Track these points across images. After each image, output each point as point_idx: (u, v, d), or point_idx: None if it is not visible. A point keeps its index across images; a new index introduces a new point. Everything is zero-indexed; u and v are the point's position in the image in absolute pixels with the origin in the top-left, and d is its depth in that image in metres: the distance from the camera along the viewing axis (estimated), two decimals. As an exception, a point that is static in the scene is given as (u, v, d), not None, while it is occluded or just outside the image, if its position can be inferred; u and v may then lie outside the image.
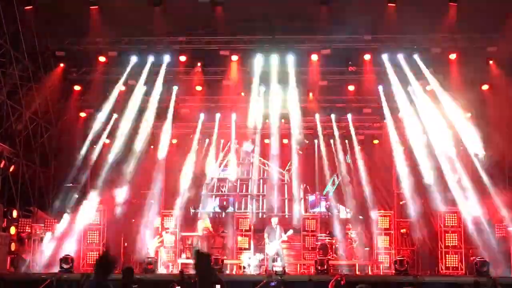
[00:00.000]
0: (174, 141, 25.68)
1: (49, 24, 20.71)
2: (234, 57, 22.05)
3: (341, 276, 14.31)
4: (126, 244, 22.44)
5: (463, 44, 21.34)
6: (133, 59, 22.34)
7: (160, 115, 23.91)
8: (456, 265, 20.38)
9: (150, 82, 22.94)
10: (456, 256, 20.53)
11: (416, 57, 21.83)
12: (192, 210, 25.04)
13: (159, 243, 19.84)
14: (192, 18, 20.73)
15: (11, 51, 19.83)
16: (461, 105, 22.56)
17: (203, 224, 21.86)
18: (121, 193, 21.96)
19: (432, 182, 21.92)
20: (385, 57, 22.08)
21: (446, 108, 22.26)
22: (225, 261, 19.55)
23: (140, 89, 23.01)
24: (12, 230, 19.09)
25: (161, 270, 19.69)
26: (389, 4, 19.43)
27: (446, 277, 19.31)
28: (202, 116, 25.32)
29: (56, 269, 18.62)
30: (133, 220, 23.16)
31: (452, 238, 20.72)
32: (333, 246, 21.46)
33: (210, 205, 25.66)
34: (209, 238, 21.58)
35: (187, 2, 19.82)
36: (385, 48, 21.91)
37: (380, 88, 23.25)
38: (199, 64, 22.64)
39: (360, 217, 23.71)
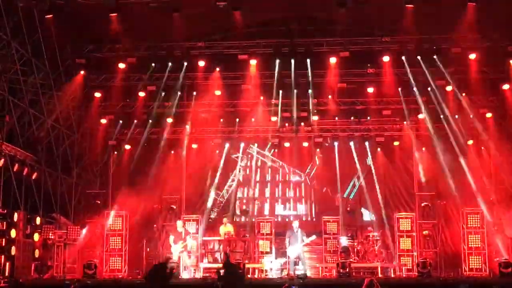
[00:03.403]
0: (194, 145, 25.76)
1: (69, 32, 20.88)
2: (253, 61, 22.07)
3: (372, 279, 14.16)
4: (148, 249, 22.53)
5: (482, 44, 21.18)
6: (153, 65, 22.46)
7: (180, 120, 24.02)
8: (480, 267, 20.20)
9: (169, 88, 23.07)
10: (480, 257, 20.34)
11: (435, 57, 21.71)
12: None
13: (182, 248, 19.88)
14: (210, 23, 20.79)
15: (32, 59, 20.02)
16: (481, 105, 22.44)
17: (225, 228, 21.86)
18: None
19: (453, 182, 21.82)
20: (404, 58, 21.99)
21: (466, 108, 22.14)
22: (246, 265, 19.53)
23: (159, 94, 23.13)
24: (36, 237, 19.25)
25: (184, 275, 19.71)
26: (407, 5, 19.34)
27: (470, 279, 19.15)
28: (221, 120, 25.37)
29: (79, 274, 18.76)
30: (155, 226, 23.27)
31: (475, 239, 20.52)
32: (355, 249, 21.37)
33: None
34: (231, 242, 21.57)
35: (205, 8, 19.87)
36: (404, 49, 21.80)
37: (400, 89, 23.13)
38: (217, 69, 22.72)
39: (381, 219, 23.63)
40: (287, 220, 25.87)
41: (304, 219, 26.44)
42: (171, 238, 20.04)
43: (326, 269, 21.37)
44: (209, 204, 25.58)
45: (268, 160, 26.64)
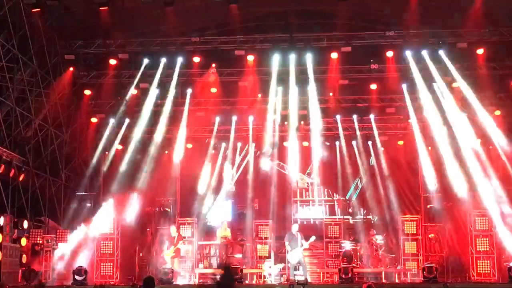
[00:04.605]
0: (189, 145, 25.67)
1: (58, 26, 20.78)
2: (250, 57, 22.02)
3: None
4: (141, 254, 22.43)
5: (490, 38, 21.11)
6: (145, 61, 22.39)
7: (175, 119, 23.93)
8: (488, 271, 20.11)
9: (163, 85, 22.97)
10: (488, 261, 20.24)
11: (441, 52, 21.64)
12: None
13: (173, 253, 19.86)
14: (205, 17, 20.72)
15: (19, 55, 19.90)
16: (489, 102, 22.36)
17: (222, 232, 21.79)
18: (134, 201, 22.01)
19: (460, 183, 21.74)
20: (408, 53, 21.94)
21: (473, 106, 22.07)
22: (244, 271, 19.45)
23: (153, 92, 23.05)
24: (23, 241, 19.12)
25: (179, 281, 19.64)
26: (411, -2, 19.33)
27: (478, 284, 19.09)
28: (217, 119, 25.29)
29: (69, 281, 18.65)
30: (148, 229, 23.17)
31: (483, 242, 20.44)
32: (358, 253, 21.29)
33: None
34: (227, 246, 21.50)
35: (200, 1, 19.80)
36: (408, 44, 21.76)
37: (404, 86, 23.06)
38: (213, 65, 22.65)
39: (384, 221, 23.55)
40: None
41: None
42: (166, 244, 20.10)
43: (327, 274, 21.29)
44: (205, 207, 25.45)
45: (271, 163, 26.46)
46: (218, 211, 25.36)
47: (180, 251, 20.29)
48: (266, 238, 21.56)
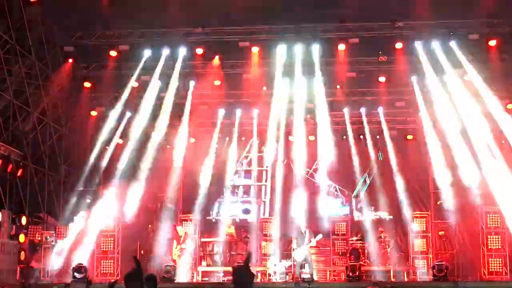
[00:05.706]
0: (192, 140, 25.71)
1: (57, 17, 20.81)
2: (255, 49, 22.02)
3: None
4: (142, 251, 22.50)
5: (503, 29, 21.09)
6: (147, 53, 22.42)
7: (177, 113, 23.97)
8: (500, 270, 20.13)
9: (165, 77, 23.00)
10: (500, 259, 20.26)
11: (452, 44, 21.62)
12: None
13: (179, 252, 19.96)
14: (209, 7, 20.71)
15: (16, 47, 19.96)
16: (502, 95, 22.33)
17: (226, 229, 21.85)
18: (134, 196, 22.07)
19: (472, 179, 21.72)
20: (418, 45, 21.91)
21: (485, 99, 22.04)
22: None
23: (154, 85, 23.08)
24: (21, 238, 19.22)
25: (181, 278, 19.71)
26: (422, -13, 19.32)
27: (489, 283, 19.12)
28: (221, 112, 25.32)
29: (68, 278, 18.73)
30: (150, 226, 23.22)
31: (495, 240, 20.45)
32: (365, 251, 21.33)
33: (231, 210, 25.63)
34: (231, 243, 21.55)
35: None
36: (418, 35, 21.74)
37: (414, 79, 23.06)
38: (217, 57, 22.64)
39: (393, 218, 23.57)
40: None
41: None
42: (174, 242, 20.27)
43: (334, 272, 21.34)
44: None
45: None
46: (231, 208, 25.43)
47: (186, 250, 20.39)
48: (271, 235, 21.59)
